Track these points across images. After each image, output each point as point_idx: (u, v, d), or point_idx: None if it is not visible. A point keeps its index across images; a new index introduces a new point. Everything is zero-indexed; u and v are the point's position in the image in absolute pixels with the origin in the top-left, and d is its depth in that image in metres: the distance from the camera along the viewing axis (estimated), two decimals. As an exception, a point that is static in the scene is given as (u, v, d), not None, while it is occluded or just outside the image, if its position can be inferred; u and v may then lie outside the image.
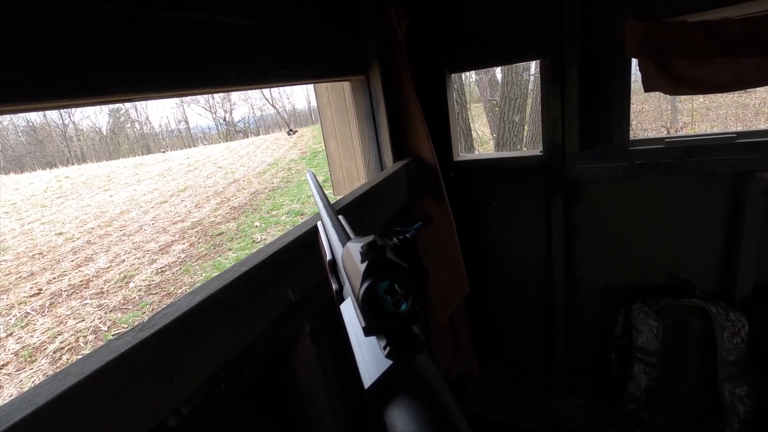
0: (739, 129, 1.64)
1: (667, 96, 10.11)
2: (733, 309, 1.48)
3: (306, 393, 0.86)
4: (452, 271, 1.60)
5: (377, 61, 1.30)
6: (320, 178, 7.92)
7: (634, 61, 1.52)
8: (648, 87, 1.45)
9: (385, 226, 1.22)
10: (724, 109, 10.27)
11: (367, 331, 0.34)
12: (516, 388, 2.05)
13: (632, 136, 1.59)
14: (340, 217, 0.68)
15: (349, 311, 0.44)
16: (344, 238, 0.57)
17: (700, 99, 10.59)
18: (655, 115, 10.79)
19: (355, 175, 1.51)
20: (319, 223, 0.73)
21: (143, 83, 0.60)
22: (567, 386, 1.96)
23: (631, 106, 1.60)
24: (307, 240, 0.81)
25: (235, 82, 0.76)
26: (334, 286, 0.49)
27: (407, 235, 0.43)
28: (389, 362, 0.34)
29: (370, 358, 0.36)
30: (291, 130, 15.19)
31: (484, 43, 1.67)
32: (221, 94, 24.88)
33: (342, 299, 0.47)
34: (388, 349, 0.33)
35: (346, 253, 0.49)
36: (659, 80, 1.42)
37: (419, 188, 1.49)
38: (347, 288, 0.48)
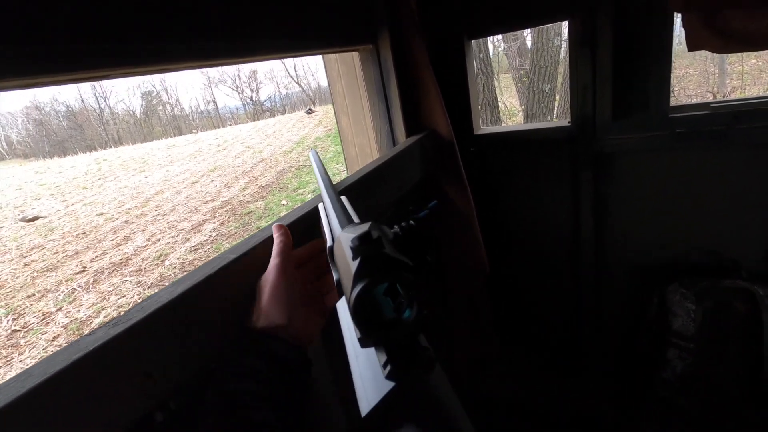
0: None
1: (715, 58, 9.33)
2: (783, 291, 1.36)
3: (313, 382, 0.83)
4: (471, 251, 1.54)
5: (387, 28, 1.20)
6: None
7: (677, 18, 1.35)
8: (693, 45, 1.29)
9: (397, 206, 1.16)
10: (779, 70, 9.40)
11: (364, 343, 0.28)
12: (539, 370, 1.99)
13: (673, 102, 1.43)
14: (342, 197, 0.63)
15: (346, 313, 0.37)
16: (345, 222, 0.51)
17: (752, 59, 9.71)
18: (700, 79, 10.01)
19: (368, 152, 1.44)
20: (320, 205, 0.68)
21: (113, 57, 0.56)
22: (594, 370, 1.88)
23: (673, 70, 1.44)
24: (309, 222, 0.76)
25: (223, 55, 0.70)
26: (335, 276, 0.42)
27: (411, 222, 0.36)
28: (391, 384, 0.27)
29: (368, 375, 0.30)
30: (310, 109, 15.35)
31: (505, 4, 1.53)
32: (247, 73, 25.04)
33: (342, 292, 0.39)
34: (389, 367, 0.27)
35: (337, 245, 0.43)
36: (706, 37, 1.25)
37: (434, 164, 1.41)
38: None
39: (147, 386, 0.48)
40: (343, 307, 0.39)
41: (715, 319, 1.43)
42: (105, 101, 24.27)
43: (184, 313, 0.53)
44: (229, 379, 0.50)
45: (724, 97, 8.91)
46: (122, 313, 0.49)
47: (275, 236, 0.63)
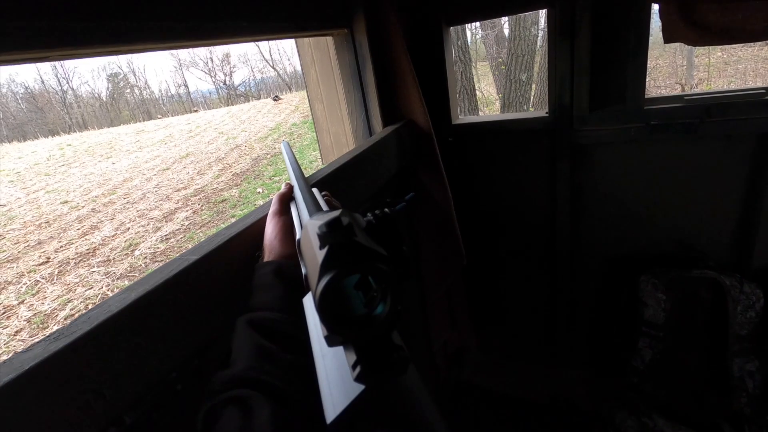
0: (759, 84, 1.48)
1: (684, 50, 9.60)
2: (748, 281, 1.40)
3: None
4: (448, 243, 1.52)
5: (362, 11, 1.15)
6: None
7: (654, 9, 1.35)
8: (669, 37, 1.29)
9: (373, 198, 1.12)
10: (743, 63, 9.75)
11: (331, 341, 0.25)
12: (516, 358, 2.02)
13: (646, 93, 1.45)
14: (314, 189, 0.60)
15: (312, 308, 0.34)
16: (314, 213, 0.48)
17: (717, 53, 10.06)
18: (669, 71, 10.29)
19: (343, 142, 1.39)
20: (292, 200, 0.65)
21: (52, 37, 0.49)
22: (568, 357, 1.92)
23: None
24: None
25: (181, 37, 0.64)
26: (304, 271, 0.39)
27: (386, 210, 0.32)
28: (360, 387, 0.25)
29: (335, 377, 0.27)
30: (276, 96, 15.33)
31: None
32: (220, 56, 24.23)
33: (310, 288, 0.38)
34: (358, 369, 0.24)
35: (303, 234, 0.39)
36: (681, 29, 1.26)
37: (412, 155, 1.38)
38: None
39: (97, 405, 0.44)
40: (309, 303, 0.36)
41: (684, 308, 1.47)
42: (68, 83, 23.00)
43: (138, 322, 0.49)
44: (254, 309, 0.50)
45: (691, 88, 9.19)
46: (67, 324, 0.44)
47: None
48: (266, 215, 0.66)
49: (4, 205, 7.26)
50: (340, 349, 0.27)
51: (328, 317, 0.25)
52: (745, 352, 1.38)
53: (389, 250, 0.26)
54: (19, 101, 22.53)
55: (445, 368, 1.80)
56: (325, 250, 0.24)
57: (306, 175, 0.75)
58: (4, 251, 5.53)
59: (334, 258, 0.24)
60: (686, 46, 1.36)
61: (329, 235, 0.25)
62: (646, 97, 1.45)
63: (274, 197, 0.67)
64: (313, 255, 0.27)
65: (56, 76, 22.67)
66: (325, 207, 0.51)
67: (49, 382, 0.40)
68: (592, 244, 1.73)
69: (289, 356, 0.44)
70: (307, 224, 0.37)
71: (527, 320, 2.00)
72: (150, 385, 0.51)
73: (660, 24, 1.31)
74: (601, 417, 1.58)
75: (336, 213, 0.27)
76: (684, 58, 10.05)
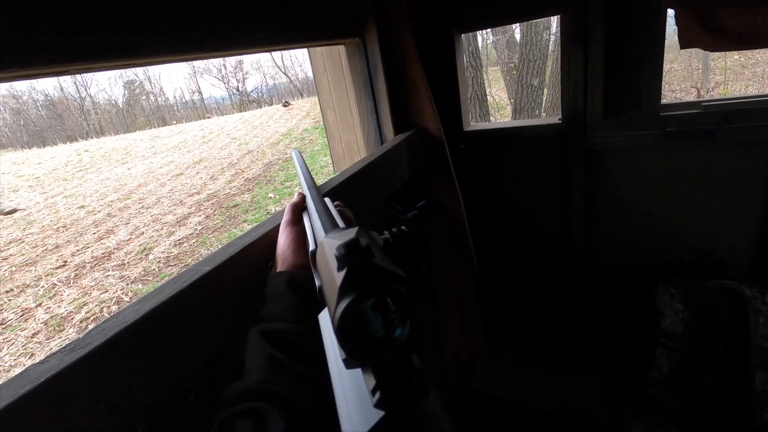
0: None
1: (699, 53, 9.43)
2: (770, 291, 1.36)
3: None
4: (459, 251, 1.51)
5: (373, 20, 1.15)
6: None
7: (670, 14, 1.33)
8: (685, 43, 1.27)
9: (384, 206, 1.12)
10: (761, 66, 9.53)
11: (349, 364, 0.25)
12: (528, 366, 1.99)
13: (662, 98, 1.42)
14: (326, 199, 0.60)
15: (328, 327, 0.34)
16: (329, 226, 0.48)
17: (734, 56, 9.85)
18: (684, 74, 10.12)
19: (355, 149, 1.40)
20: (305, 209, 0.65)
21: (70, 51, 0.50)
22: (581, 365, 1.88)
23: (662, 65, 1.42)
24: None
25: (195, 49, 0.65)
26: (317, 283, 0.39)
27: (402, 227, 0.32)
28: (381, 412, 0.24)
29: (354, 401, 0.27)
30: (286, 102, 15.78)
31: None
32: (233, 63, 24.58)
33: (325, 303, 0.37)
34: (378, 394, 0.24)
35: (320, 252, 0.39)
36: (698, 35, 1.24)
37: (423, 162, 1.38)
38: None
39: (110, 415, 0.44)
40: (325, 320, 0.36)
41: (703, 318, 1.43)
42: (86, 90, 23.56)
43: (151, 333, 0.49)
44: (267, 320, 0.50)
45: (707, 92, 9.02)
46: (82, 336, 0.45)
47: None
48: (279, 225, 0.66)
49: (24, 210, 7.44)
50: (357, 371, 0.27)
51: (347, 341, 0.24)
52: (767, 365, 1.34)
53: (407, 270, 0.26)
54: (39, 108, 23.12)
55: (457, 376, 1.78)
56: (343, 273, 0.24)
57: (318, 184, 0.75)
58: (23, 255, 5.65)
59: (353, 281, 0.24)
60: (709, 51, 1.34)
61: (348, 257, 0.24)
62: (662, 102, 1.43)
63: (287, 207, 0.67)
64: (331, 275, 0.27)
65: (75, 83, 23.25)
66: (338, 218, 0.51)
67: (63, 394, 0.40)
68: (606, 250, 1.70)
69: (301, 368, 0.44)
70: (323, 242, 0.37)
71: (540, 327, 1.98)
72: (163, 395, 0.52)
73: (675, 28, 1.29)
74: (617, 428, 1.55)
75: (353, 233, 0.26)
76: (700, 62, 9.88)
